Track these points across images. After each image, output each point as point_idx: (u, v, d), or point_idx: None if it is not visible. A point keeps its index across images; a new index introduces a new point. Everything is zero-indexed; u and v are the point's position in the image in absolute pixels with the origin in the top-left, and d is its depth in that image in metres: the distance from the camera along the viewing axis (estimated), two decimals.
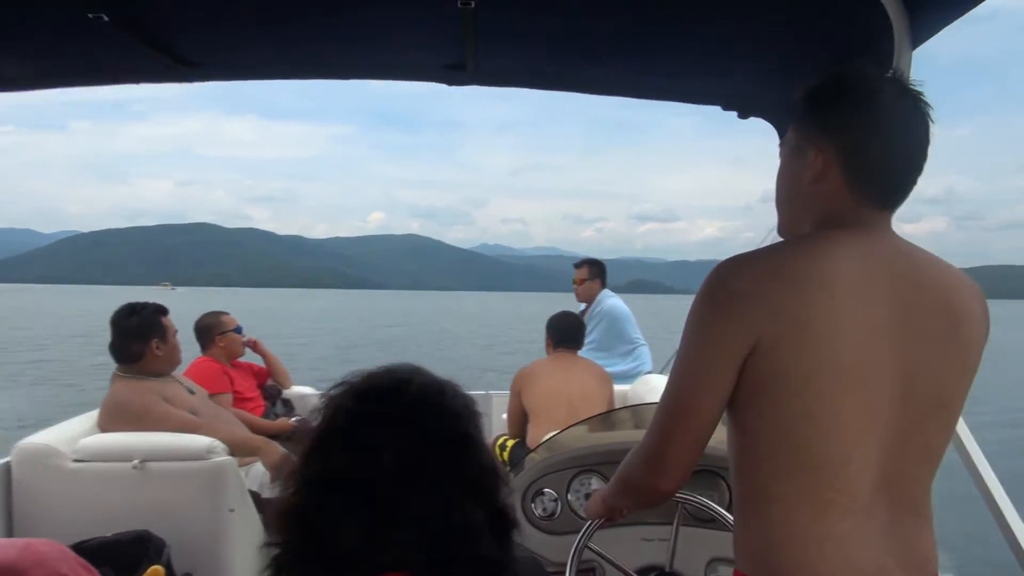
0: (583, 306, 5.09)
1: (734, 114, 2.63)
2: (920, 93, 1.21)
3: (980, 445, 1.85)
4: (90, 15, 1.83)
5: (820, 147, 1.21)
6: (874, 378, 1.13)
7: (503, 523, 0.97)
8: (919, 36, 1.81)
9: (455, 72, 2.43)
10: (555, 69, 2.55)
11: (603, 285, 5.13)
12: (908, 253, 1.21)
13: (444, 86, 2.52)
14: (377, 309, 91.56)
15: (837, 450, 1.13)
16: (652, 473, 1.27)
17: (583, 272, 5.13)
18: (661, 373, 4.60)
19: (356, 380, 0.99)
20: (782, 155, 1.32)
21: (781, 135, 2.40)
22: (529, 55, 2.44)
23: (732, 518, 1.84)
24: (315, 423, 0.98)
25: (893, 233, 1.24)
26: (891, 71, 1.26)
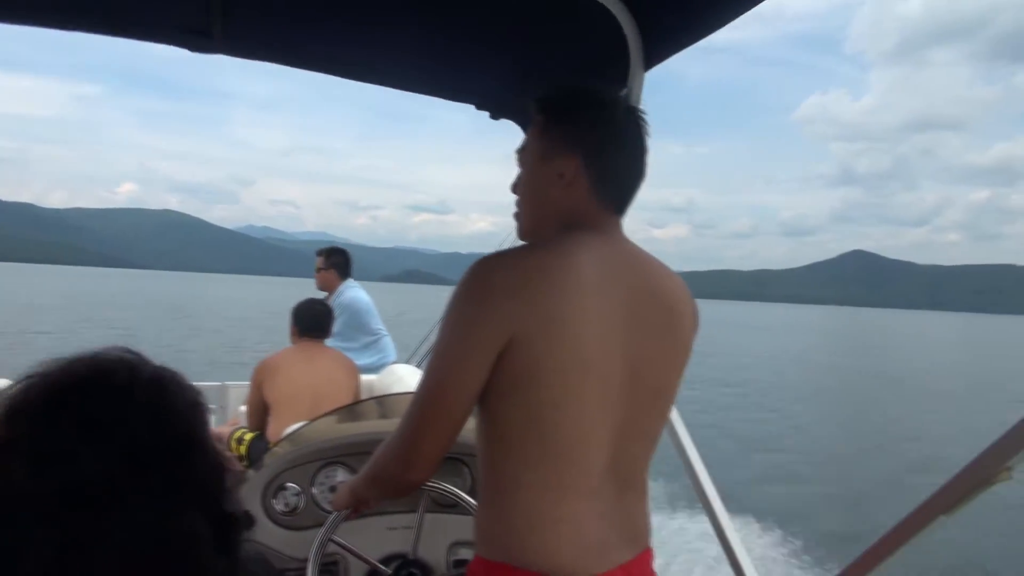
0: (325, 294, 4.94)
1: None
2: (642, 112, 1.35)
3: (688, 428, 2.09)
4: None
5: (570, 154, 1.31)
6: (610, 370, 1.24)
7: (229, 528, 0.86)
8: (652, 57, 1.95)
9: (199, 38, 2.26)
10: (307, 48, 2.46)
11: (343, 276, 4.99)
12: (638, 256, 1.34)
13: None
14: (122, 290, 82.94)
15: (579, 437, 1.22)
16: (404, 465, 1.28)
17: (320, 261, 5.00)
18: (408, 362, 4.60)
19: (50, 371, 0.81)
20: (526, 161, 1.39)
21: None
22: (279, 29, 2.33)
23: (475, 503, 1.90)
24: None
25: (624, 236, 1.36)
26: (626, 88, 1.36)
